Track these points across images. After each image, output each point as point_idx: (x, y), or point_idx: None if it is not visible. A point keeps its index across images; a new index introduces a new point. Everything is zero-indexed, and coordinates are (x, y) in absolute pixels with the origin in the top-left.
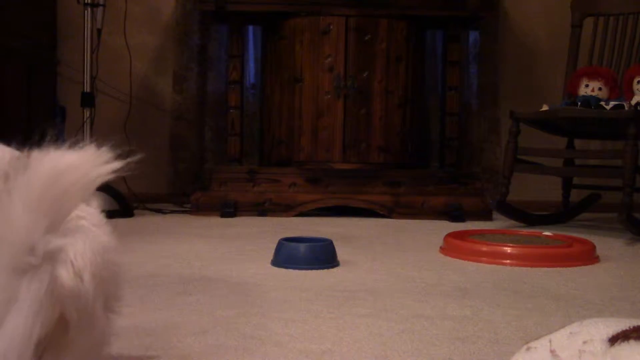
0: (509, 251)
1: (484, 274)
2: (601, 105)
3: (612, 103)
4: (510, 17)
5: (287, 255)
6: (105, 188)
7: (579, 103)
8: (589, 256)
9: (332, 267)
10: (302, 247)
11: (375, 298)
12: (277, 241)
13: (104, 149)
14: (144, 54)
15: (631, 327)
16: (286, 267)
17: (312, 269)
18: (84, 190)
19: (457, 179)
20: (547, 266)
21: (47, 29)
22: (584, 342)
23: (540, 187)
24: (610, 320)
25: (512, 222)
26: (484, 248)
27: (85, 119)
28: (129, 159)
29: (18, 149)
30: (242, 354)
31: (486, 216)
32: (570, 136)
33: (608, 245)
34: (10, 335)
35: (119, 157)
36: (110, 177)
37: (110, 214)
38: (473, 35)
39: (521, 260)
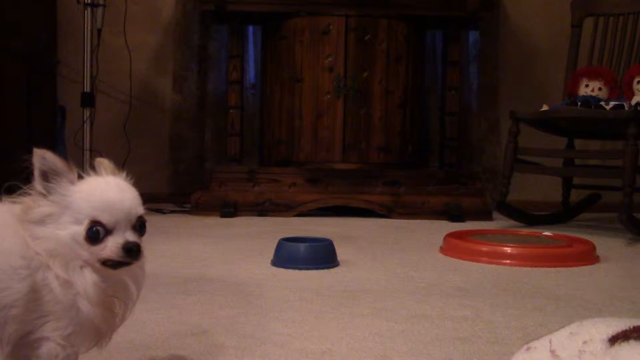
0: (509, 251)
1: (484, 274)
2: (601, 105)
3: (612, 103)
4: (510, 17)
5: (287, 255)
6: None
7: (579, 103)
8: (589, 256)
9: (332, 267)
10: (302, 247)
11: (375, 298)
12: (277, 241)
13: None
14: (144, 54)
15: (631, 327)
16: (286, 267)
17: (312, 269)
18: None
19: (457, 179)
20: (547, 266)
21: (47, 29)
22: (584, 342)
23: (540, 187)
24: (610, 320)
25: (512, 222)
26: (484, 248)
27: (85, 119)
28: None
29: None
30: (242, 354)
31: (486, 216)
32: (570, 136)
33: (608, 245)
34: None
35: None
36: None
37: None
38: (473, 35)
39: (521, 260)
